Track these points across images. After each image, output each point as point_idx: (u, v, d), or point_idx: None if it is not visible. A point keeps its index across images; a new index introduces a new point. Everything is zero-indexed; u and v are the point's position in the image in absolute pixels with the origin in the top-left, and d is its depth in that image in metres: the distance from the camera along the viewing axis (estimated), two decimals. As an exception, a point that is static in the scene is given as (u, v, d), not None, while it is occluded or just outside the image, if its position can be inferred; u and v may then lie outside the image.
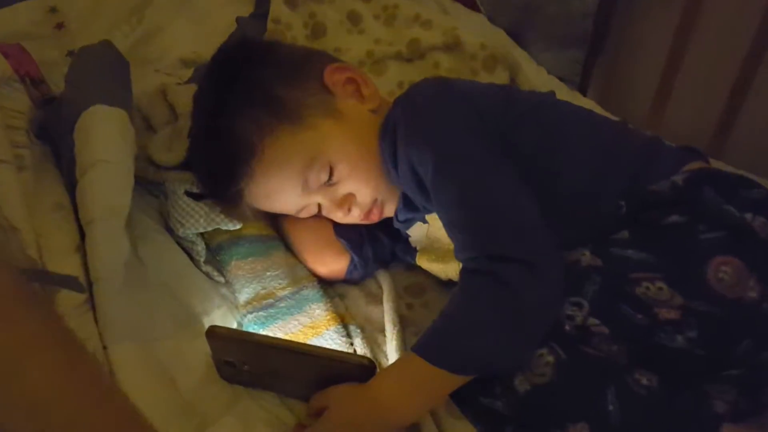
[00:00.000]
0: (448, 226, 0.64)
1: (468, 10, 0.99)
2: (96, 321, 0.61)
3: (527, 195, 0.63)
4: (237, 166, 0.70)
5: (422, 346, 0.58)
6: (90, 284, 0.62)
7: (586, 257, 0.62)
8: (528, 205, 0.62)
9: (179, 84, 0.89)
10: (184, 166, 0.78)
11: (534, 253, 0.59)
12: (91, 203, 0.65)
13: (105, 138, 0.69)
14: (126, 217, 0.67)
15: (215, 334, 0.63)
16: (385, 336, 0.71)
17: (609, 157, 0.67)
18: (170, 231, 0.76)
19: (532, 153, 0.66)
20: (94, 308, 0.61)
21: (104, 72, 0.74)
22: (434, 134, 0.65)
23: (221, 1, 1.03)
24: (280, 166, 0.70)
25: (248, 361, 0.64)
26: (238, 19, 0.99)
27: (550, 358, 0.58)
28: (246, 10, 1.02)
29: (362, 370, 0.60)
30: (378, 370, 0.61)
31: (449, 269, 0.74)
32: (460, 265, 0.65)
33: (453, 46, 0.92)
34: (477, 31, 0.94)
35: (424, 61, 0.93)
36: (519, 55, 0.95)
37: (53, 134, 0.76)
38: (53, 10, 0.90)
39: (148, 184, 0.81)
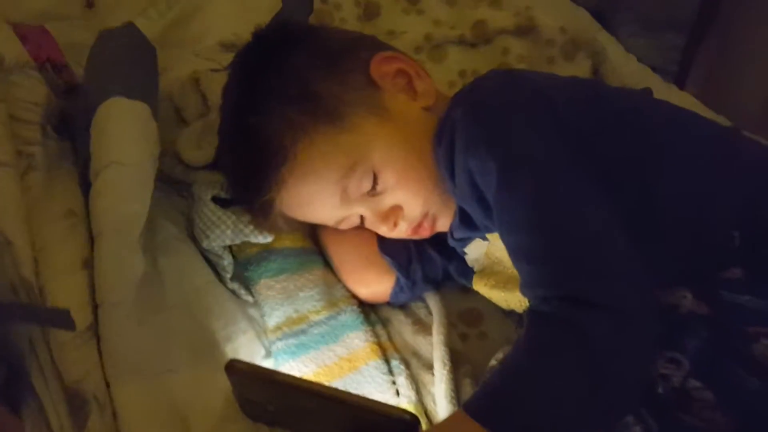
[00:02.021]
0: (514, 253, 0.53)
1: (545, -14, 0.86)
2: (100, 351, 0.54)
3: (615, 221, 0.51)
4: (267, 171, 0.61)
5: (478, 407, 0.48)
6: (95, 306, 0.55)
7: (688, 301, 0.50)
8: (617, 233, 0.51)
9: (215, 71, 0.81)
10: (215, 166, 0.70)
11: (622, 296, 0.48)
12: (101, 212, 0.58)
13: (121, 136, 0.61)
14: (141, 228, 0.59)
15: (236, 369, 0.55)
16: (433, 374, 0.62)
17: (719, 175, 0.55)
18: (197, 240, 0.68)
19: (623, 167, 0.55)
20: (99, 336, 0.54)
21: (125, 59, 0.67)
22: (500, 141, 0.54)
23: (266, -24, 0.93)
24: (316, 172, 0.61)
25: (273, 402, 0.56)
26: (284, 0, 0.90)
27: (638, 429, 0.47)
28: (294, -13, 0.93)
29: (403, 425, 0.51)
30: (422, 426, 0.52)
31: (512, 299, 0.63)
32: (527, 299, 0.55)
33: (526, 30, 0.80)
34: (555, 11, 0.81)
35: (491, 47, 0.81)
36: (605, 40, 0.82)
37: (73, 128, 0.69)
38: (83, -13, 0.83)
39: (176, 184, 0.74)
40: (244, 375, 0.55)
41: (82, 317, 0.54)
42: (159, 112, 0.70)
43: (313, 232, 0.71)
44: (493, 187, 0.54)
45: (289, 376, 0.57)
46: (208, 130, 0.72)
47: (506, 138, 0.55)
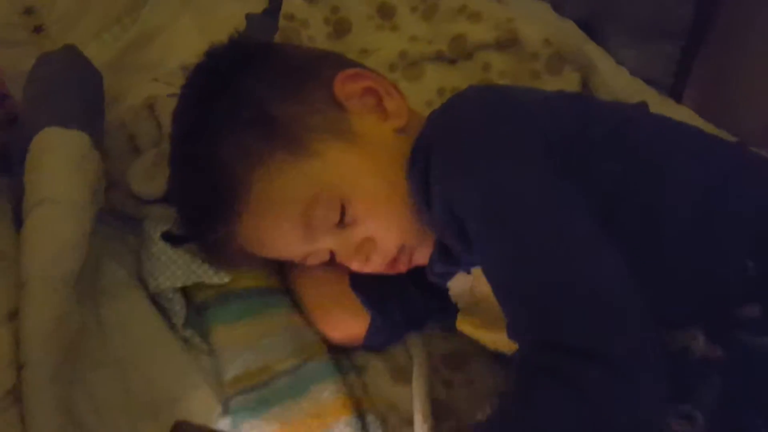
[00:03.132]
0: (498, 292, 0.47)
1: (528, -3, 0.81)
2: (23, 419, 0.47)
3: (612, 253, 0.45)
4: (219, 205, 0.55)
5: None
6: (20, 367, 0.48)
7: (700, 343, 0.44)
8: (614, 267, 0.44)
9: (172, 95, 0.75)
10: (168, 199, 0.64)
11: (624, 343, 0.41)
12: (29, 256, 0.51)
13: (54, 170, 0.55)
14: (76, 273, 0.53)
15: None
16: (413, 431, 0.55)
17: (729, 197, 0.49)
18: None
19: (619, 191, 0.49)
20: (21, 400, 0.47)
21: (64, 85, 0.61)
22: (480, 166, 0.49)
23: (231, -5, 0.88)
24: (275, 205, 0.55)
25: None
26: (248, 17, 0.85)
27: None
28: (260, 5, 0.88)
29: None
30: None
31: (500, 341, 0.56)
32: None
33: (508, 43, 0.74)
34: (539, 23, 0.76)
35: (472, 63, 0.75)
36: (593, 52, 0.76)
37: (10, 163, 0.63)
38: (29, 11, 0.78)
39: (129, 220, 0.68)
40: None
41: (2, 379, 0.47)
42: (104, 140, 0.65)
43: (281, 268, 0.65)
44: (474, 219, 0.48)
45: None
46: (161, 159, 0.66)
47: (487, 163, 0.49)
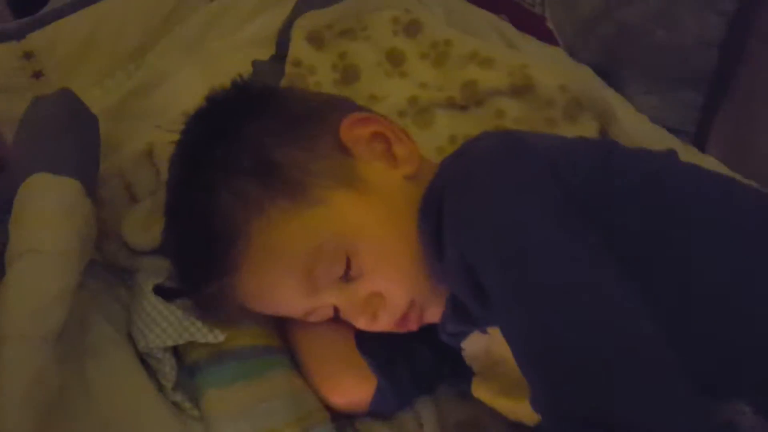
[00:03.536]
0: (519, 357, 0.43)
1: (541, 43, 0.79)
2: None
3: (646, 315, 0.41)
4: (215, 256, 0.51)
5: None
6: (-12, 434, 0.44)
7: (748, 418, 0.39)
8: (650, 332, 0.40)
9: (174, 142, 0.73)
10: (164, 251, 0.60)
11: (664, 419, 0.37)
12: (7, 312, 0.47)
13: (40, 218, 0.52)
14: (57, 331, 0.49)
15: None
16: None
17: (765, 249, 0.45)
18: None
19: (646, 247, 0.45)
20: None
21: (56, 129, 0.58)
22: (496, 217, 0.45)
23: (238, 42, 0.87)
24: (275, 256, 0.51)
25: None
26: (255, 63, 0.83)
27: None
28: (267, 52, 0.86)
29: None
30: None
31: (521, 410, 0.52)
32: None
33: (523, 89, 0.72)
34: (554, 69, 0.74)
35: (484, 109, 0.73)
36: (612, 98, 0.74)
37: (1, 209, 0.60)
38: (28, 55, 0.76)
39: (121, 273, 0.64)
40: None
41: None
42: (98, 188, 0.62)
43: (281, 327, 0.60)
44: (489, 273, 0.44)
45: None
46: (157, 209, 0.63)
47: (503, 211, 0.45)
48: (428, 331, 0.57)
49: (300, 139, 0.53)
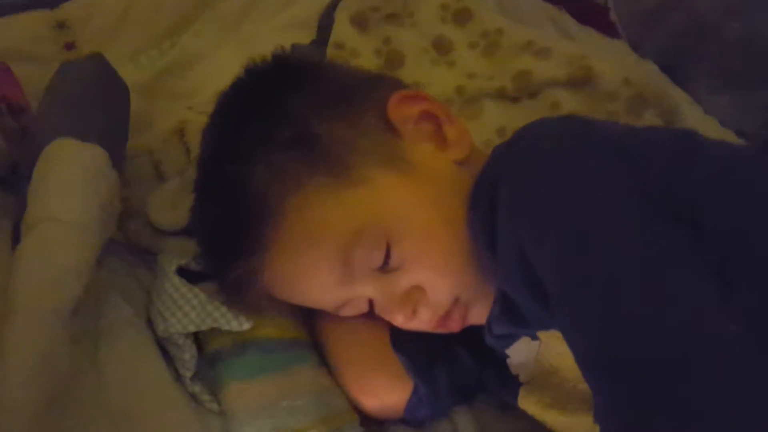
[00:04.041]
0: (584, 364, 0.38)
1: (602, 35, 0.75)
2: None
3: (733, 320, 0.36)
4: (245, 235, 0.48)
5: None
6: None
7: None
8: (738, 339, 0.35)
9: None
10: (190, 231, 0.57)
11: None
12: (18, 282, 0.44)
13: (63, 185, 0.49)
14: (72, 305, 0.46)
15: None
16: None
17: None
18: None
19: (737, 240, 0.40)
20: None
21: (84, 95, 0.56)
22: (563, 205, 0.40)
23: (277, 25, 0.84)
24: (310, 238, 0.47)
25: None
26: (294, 47, 0.80)
27: None
28: (307, 36, 0.83)
29: None
30: None
31: (576, 426, 0.47)
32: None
33: (581, 81, 0.67)
34: (617, 62, 0.69)
35: (537, 101, 0.69)
36: (678, 97, 0.69)
37: (22, 177, 0.57)
38: (61, 25, 0.74)
39: (144, 254, 0.61)
40: None
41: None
42: (126, 164, 0.59)
43: (310, 319, 0.57)
44: (552, 268, 0.40)
45: None
46: (186, 188, 0.60)
47: (570, 202, 0.41)
48: (471, 334, 0.53)
49: (343, 114, 0.49)
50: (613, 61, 0.69)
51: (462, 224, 0.48)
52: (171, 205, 0.61)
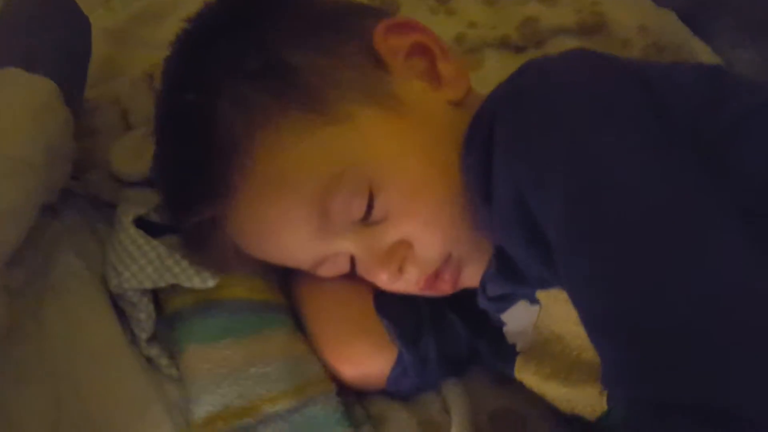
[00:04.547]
0: (591, 324, 0.33)
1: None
2: None
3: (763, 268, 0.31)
4: (210, 176, 0.42)
5: None
6: None
7: None
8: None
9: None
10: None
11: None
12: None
13: (3, 117, 0.44)
14: (8, 252, 0.41)
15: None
16: None
17: None
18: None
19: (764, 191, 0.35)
20: None
21: (38, 23, 0.50)
22: (571, 136, 0.35)
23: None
24: (282, 183, 0.42)
25: None
26: (280, -7, 0.75)
27: None
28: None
29: None
30: None
31: (579, 399, 0.42)
32: (604, 397, 0.34)
33: (593, 28, 0.62)
34: (632, 8, 0.64)
35: (544, 50, 0.63)
36: (698, 49, 0.63)
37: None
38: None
39: (106, 208, 0.56)
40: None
41: None
42: (80, 99, 0.54)
43: (284, 280, 0.51)
44: (556, 215, 0.34)
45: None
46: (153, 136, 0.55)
47: (581, 137, 0.35)
48: (463, 301, 0.48)
49: (324, 44, 0.44)
50: (628, 7, 0.64)
51: (455, 171, 0.43)
52: (135, 153, 0.55)
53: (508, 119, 0.38)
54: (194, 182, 0.43)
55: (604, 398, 0.40)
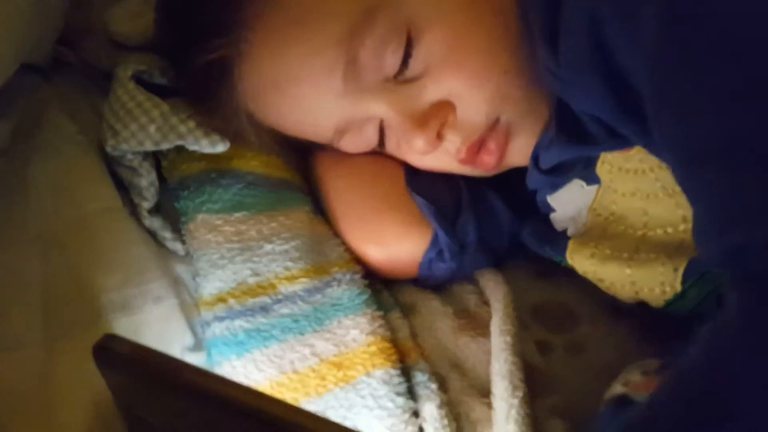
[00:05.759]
0: (691, 166, 0.28)
1: None
2: None
3: None
4: (218, 10, 0.37)
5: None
6: None
7: None
8: None
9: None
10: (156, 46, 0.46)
11: None
12: None
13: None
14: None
15: (112, 354, 0.30)
16: (490, 405, 0.36)
17: None
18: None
19: None
20: None
21: None
22: None
23: None
24: (305, 18, 0.37)
25: (174, 422, 0.31)
26: None
27: None
28: None
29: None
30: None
31: (644, 281, 0.37)
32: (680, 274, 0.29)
33: None
34: None
35: None
36: None
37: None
38: None
39: (102, 80, 0.51)
40: (129, 366, 0.30)
41: None
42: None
43: (303, 164, 0.46)
44: (650, 49, 0.29)
45: (213, 378, 0.31)
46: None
47: None
48: (506, 182, 0.43)
49: None
50: None
51: (511, 12, 0.37)
52: (135, 13, 0.50)
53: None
54: (205, 12, 0.37)
55: (680, 276, 0.35)
